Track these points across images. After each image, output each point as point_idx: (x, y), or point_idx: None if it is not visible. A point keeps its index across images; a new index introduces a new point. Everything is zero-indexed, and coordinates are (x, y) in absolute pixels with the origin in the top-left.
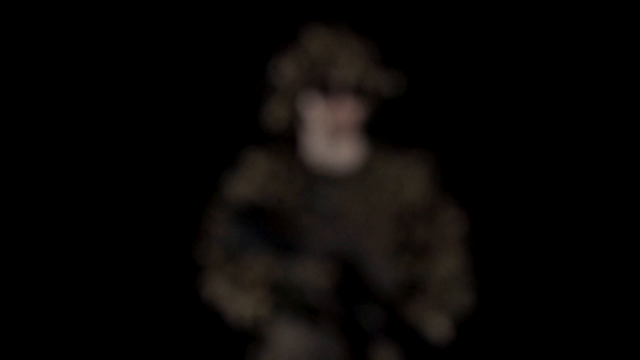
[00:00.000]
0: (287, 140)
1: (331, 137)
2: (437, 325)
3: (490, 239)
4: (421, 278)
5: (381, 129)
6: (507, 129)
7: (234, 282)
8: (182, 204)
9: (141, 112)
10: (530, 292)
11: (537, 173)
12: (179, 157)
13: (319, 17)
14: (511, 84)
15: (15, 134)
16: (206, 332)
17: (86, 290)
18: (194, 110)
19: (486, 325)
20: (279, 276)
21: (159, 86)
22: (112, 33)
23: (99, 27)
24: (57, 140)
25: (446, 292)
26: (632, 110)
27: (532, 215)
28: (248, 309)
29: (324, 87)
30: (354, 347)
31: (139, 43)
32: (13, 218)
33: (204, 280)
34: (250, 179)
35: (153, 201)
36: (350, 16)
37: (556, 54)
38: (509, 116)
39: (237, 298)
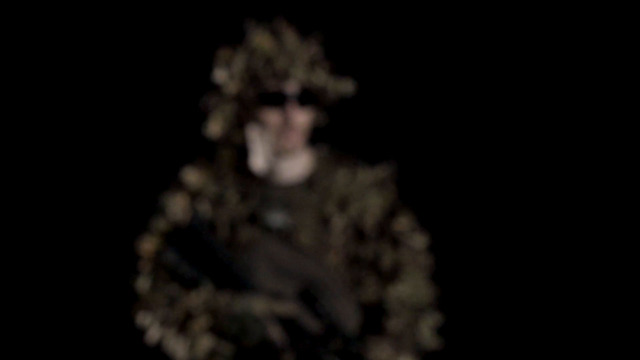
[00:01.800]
0: (232, 151)
1: (278, 146)
2: None
3: (450, 257)
4: (384, 302)
5: (331, 137)
6: (462, 134)
7: (167, 319)
8: (118, 228)
9: (78, 124)
10: (496, 312)
11: (495, 181)
12: (115, 175)
13: (263, 20)
14: (466, 87)
15: None
16: None
17: (23, 314)
18: (131, 125)
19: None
20: (222, 308)
21: (94, 102)
22: (53, 43)
23: (37, 40)
24: None
25: (412, 321)
26: (604, 130)
27: (493, 229)
28: (184, 348)
29: (270, 95)
30: None
31: (74, 52)
32: None
33: (138, 316)
34: (188, 199)
35: (88, 224)
36: (297, 20)
37: (518, 59)
38: (464, 121)
39: (170, 336)
